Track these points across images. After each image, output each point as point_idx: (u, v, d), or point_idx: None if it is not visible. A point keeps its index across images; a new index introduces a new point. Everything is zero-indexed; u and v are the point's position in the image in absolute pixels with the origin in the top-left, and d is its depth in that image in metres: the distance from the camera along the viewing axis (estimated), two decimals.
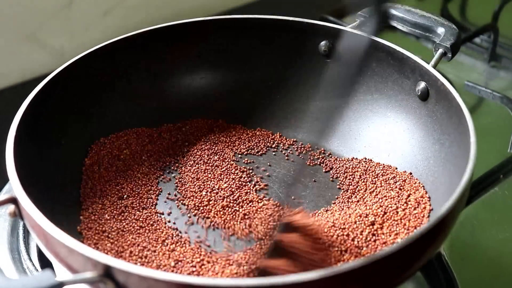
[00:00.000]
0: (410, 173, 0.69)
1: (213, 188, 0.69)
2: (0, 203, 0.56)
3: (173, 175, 0.72)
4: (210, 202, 0.68)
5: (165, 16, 0.94)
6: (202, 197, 0.69)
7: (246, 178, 0.72)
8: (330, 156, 0.75)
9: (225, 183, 0.70)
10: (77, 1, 0.93)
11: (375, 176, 0.70)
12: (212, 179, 0.71)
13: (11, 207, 0.56)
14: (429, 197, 0.65)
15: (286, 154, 0.76)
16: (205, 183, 0.70)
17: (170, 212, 0.68)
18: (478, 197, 0.75)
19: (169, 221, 0.66)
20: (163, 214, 0.67)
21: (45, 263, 0.63)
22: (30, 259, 0.64)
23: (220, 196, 0.68)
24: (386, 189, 0.68)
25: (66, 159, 0.69)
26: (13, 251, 0.65)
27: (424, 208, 0.64)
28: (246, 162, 0.74)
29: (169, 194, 0.70)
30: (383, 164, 0.72)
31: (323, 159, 0.75)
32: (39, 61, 0.92)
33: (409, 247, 0.50)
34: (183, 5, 1.03)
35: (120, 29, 0.77)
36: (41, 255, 0.63)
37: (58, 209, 0.61)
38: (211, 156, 0.74)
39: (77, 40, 0.94)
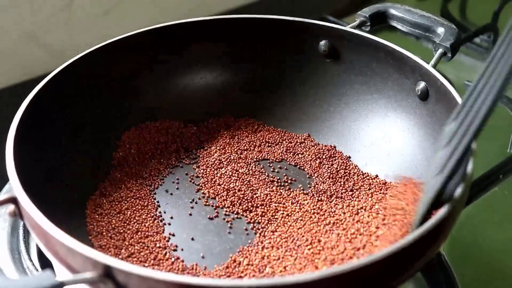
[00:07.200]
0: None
1: (233, 187, 0.70)
2: (0, 203, 0.56)
3: (184, 172, 0.73)
4: (229, 200, 0.68)
5: (165, 16, 0.94)
6: (221, 195, 0.69)
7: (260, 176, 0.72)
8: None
9: (244, 181, 0.70)
10: (77, 1, 0.93)
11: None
12: (231, 178, 0.71)
13: (11, 207, 0.56)
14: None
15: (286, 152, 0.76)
16: (224, 181, 0.70)
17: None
18: (478, 197, 0.75)
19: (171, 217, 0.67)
20: (158, 201, 0.68)
21: (45, 263, 0.63)
22: (30, 259, 0.64)
23: (241, 195, 0.69)
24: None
25: (66, 159, 0.69)
26: (13, 251, 0.65)
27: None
28: (253, 162, 0.75)
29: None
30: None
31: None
32: (39, 61, 0.92)
33: (409, 247, 0.49)
34: (183, 5, 1.03)
35: (120, 29, 0.77)
36: (41, 255, 0.63)
37: (58, 209, 0.61)
38: (228, 155, 0.74)
39: (77, 40, 0.94)
